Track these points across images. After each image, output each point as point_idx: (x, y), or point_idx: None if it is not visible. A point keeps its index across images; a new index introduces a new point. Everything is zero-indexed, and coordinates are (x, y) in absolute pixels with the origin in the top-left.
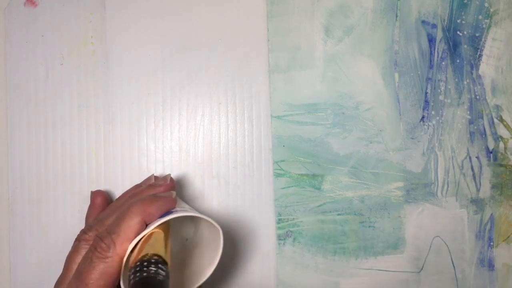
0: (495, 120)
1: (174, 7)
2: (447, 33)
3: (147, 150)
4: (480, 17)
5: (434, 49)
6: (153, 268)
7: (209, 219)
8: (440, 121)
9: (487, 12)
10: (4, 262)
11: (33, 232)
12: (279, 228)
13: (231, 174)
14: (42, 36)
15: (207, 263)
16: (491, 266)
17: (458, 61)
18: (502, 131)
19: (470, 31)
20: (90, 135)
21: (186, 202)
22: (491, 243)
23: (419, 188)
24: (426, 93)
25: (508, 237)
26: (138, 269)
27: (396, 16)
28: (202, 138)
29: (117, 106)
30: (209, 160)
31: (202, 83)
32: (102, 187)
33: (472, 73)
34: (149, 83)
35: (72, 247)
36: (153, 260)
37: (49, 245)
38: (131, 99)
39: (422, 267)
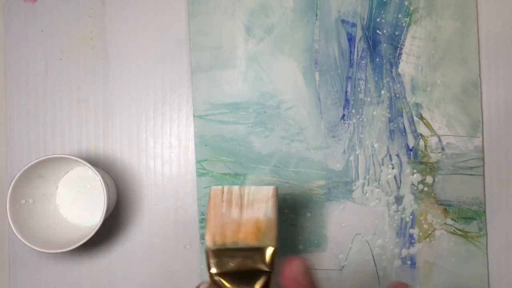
0: (415, 118)
1: (173, 2)
2: (366, 32)
3: (146, 145)
4: (399, 15)
5: (354, 48)
6: None
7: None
8: (360, 119)
9: (407, 11)
10: (4, 261)
11: None
12: (202, 227)
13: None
14: (42, 31)
15: None
16: (412, 263)
17: (377, 59)
18: (422, 128)
19: (389, 29)
20: (89, 130)
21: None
22: (412, 241)
23: (340, 186)
24: (346, 91)
25: (429, 234)
26: None
27: (316, 16)
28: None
29: (116, 101)
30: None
31: None
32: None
33: (391, 72)
34: (148, 78)
35: None
36: None
37: None
38: (131, 94)
39: (344, 264)
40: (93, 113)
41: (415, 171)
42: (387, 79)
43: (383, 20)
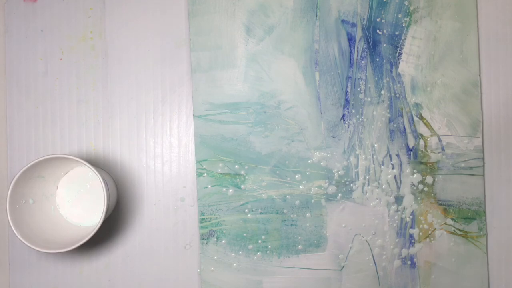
0: (415, 118)
1: (173, 2)
2: (366, 32)
3: (146, 145)
4: (399, 15)
5: (354, 48)
6: None
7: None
8: (360, 119)
9: (407, 11)
10: (4, 261)
11: None
12: (202, 227)
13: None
14: (42, 31)
15: None
16: (412, 263)
17: (377, 59)
18: (422, 128)
19: (389, 29)
20: (89, 130)
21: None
22: (412, 241)
23: (340, 186)
24: (346, 91)
25: (429, 234)
26: None
27: (316, 16)
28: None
29: (117, 101)
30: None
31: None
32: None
33: (391, 72)
34: (148, 78)
35: None
36: None
37: None
38: (131, 94)
39: (344, 264)
40: (93, 113)
41: (415, 171)
42: (387, 79)
43: (383, 20)
